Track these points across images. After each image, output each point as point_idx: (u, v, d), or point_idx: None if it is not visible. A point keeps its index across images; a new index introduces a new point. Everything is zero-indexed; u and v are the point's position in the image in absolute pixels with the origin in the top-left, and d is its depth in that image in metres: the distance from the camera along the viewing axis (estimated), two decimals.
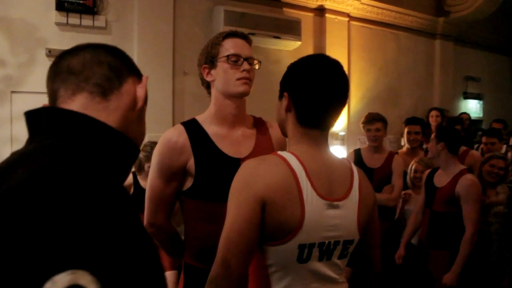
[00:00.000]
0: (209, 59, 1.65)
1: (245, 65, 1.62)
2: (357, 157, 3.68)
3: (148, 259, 0.66)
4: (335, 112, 1.30)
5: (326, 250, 1.26)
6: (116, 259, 0.58)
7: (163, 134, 1.64)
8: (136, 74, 0.93)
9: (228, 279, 1.18)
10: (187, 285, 1.66)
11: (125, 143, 0.86)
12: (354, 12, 5.39)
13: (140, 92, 0.91)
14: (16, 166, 0.66)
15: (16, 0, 3.65)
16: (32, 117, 0.81)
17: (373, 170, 3.54)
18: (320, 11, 5.15)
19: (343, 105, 1.31)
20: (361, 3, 5.36)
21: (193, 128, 1.64)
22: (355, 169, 1.35)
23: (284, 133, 1.37)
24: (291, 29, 4.59)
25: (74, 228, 0.55)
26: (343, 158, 1.39)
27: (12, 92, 3.65)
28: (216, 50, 1.64)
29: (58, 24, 3.77)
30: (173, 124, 4.14)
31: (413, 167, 3.61)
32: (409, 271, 3.31)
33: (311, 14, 5.13)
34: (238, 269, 1.18)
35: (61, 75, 0.85)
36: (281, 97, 1.32)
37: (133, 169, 3.63)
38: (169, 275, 3.32)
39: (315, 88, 1.25)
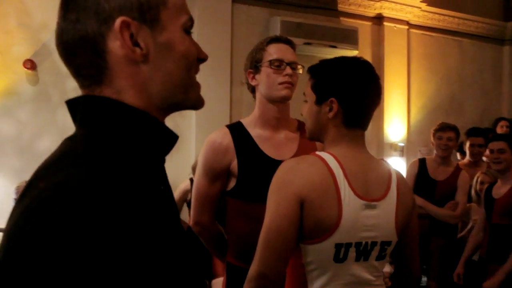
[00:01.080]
0: (254, 64, 1.71)
1: (288, 70, 1.66)
2: (421, 167, 3.55)
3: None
4: (374, 111, 1.35)
5: (363, 251, 1.26)
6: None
7: (208, 136, 1.72)
8: (106, 21, 0.66)
9: (267, 276, 1.21)
10: (229, 284, 1.71)
11: (147, 121, 0.69)
12: (414, 20, 5.27)
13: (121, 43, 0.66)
14: (41, 177, 0.61)
15: None
16: (71, 107, 0.70)
17: (436, 183, 3.41)
18: (378, 19, 5.09)
19: (379, 103, 1.36)
20: (422, 10, 5.23)
21: (237, 130, 1.70)
22: (393, 170, 1.35)
23: (318, 137, 1.38)
24: (348, 38, 4.57)
25: (82, 255, 0.51)
26: (381, 159, 1.40)
27: None
28: (260, 55, 1.69)
29: None
30: None
31: (479, 178, 3.43)
32: None
33: (368, 23, 5.08)
34: (276, 267, 1.21)
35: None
36: (320, 102, 1.32)
37: (191, 176, 3.76)
38: (221, 281, 3.38)
39: (363, 92, 1.30)
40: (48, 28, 3.85)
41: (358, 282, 1.28)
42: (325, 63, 1.34)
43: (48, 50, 3.85)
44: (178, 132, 0.79)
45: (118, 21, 0.65)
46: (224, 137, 1.68)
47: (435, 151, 3.53)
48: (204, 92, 0.77)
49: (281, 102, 1.69)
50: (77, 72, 0.69)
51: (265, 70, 1.67)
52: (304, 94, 1.38)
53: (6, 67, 3.70)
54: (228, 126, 1.73)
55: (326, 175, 1.23)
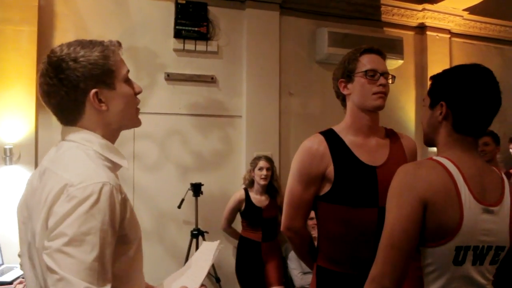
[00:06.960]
0: (346, 74, 1.75)
1: (382, 80, 1.70)
2: None
3: None
4: (489, 119, 1.37)
5: (479, 255, 1.29)
6: None
7: (303, 143, 1.76)
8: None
9: (391, 277, 1.24)
10: (319, 287, 1.74)
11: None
12: (456, 28, 5.27)
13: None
14: None
15: (141, 31, 4.06)
16: None
17: None
18: (421, 29, 5.11)
19: (496, 113, 1.36)
20: (463, 19, 5.23)
21: (331, 137, 1.74)
22: (504, 176, 1.39)
23: (430, 141, 1.43)
24: (393, 48, 4.59)
25: None
26: (491, 165, 1.42)
27: None
28: (353, 65, 1.73)
29: (175, 50, 4.11)
30: (279, 143, 4.30)
31: None
32: None
33: (411, 33, 5.10)
34: (400, 267, 1.24)
35: None
36: (433, 106, 1.38)
37: (244, 186, 3.81)
38: None
39: (474, 97, 1.32)
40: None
41: (472, 286, 1.30)
42: (445, 70, 1.39)
43: None
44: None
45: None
46: (320, 143, 1.72)
47: None
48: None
49: (373, 112, 1.74)
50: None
51: (359, 80, 1.72)
52: (423, 99, 1.43)
53: None
54: (322, 133, 1.77)
55: (447, 179, 1.27)
